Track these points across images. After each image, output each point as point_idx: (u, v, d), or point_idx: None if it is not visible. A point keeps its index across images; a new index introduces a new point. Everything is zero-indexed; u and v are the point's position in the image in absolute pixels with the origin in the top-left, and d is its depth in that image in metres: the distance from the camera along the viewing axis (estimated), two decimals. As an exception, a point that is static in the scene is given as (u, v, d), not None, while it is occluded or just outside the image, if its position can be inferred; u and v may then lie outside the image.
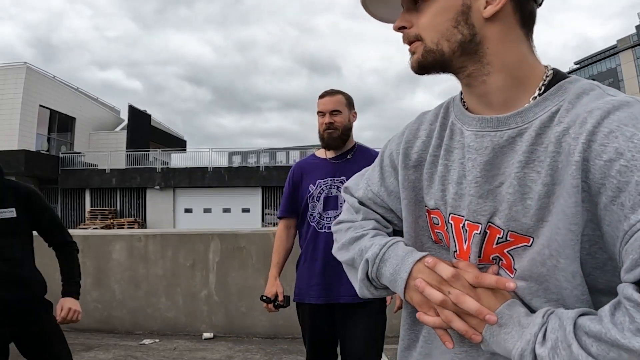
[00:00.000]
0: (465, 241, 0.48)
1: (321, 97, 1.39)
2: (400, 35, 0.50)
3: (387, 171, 0.59)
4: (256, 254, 2.89)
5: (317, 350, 1.38)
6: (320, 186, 1.37)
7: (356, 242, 0.56)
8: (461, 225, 0.49)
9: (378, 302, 1.31)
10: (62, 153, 16.10)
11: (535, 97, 0.46)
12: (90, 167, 16.01)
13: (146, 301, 2.95)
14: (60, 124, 17.09)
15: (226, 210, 15.90)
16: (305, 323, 1.38)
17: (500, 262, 0.46)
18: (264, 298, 1.42)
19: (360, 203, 0.61)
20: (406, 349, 0.56)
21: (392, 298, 1.39)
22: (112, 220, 14.64)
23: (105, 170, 15.78)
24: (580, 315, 0.38)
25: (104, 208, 15.62)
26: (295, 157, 18.02)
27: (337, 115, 1.36)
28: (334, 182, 1.36)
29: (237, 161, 18.42)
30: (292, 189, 1.43)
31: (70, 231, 1.45)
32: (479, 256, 0.47)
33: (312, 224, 1.37)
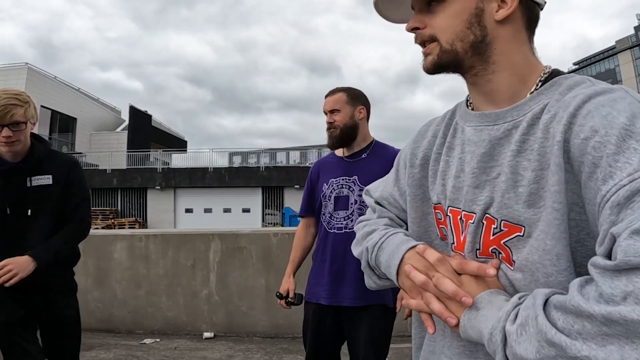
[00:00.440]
0: (462, 232, 0.50)
1: (325, 97, 1.39)
2: (400, 36, 0.53)
3: (401, 172, 0.62)
4: (256, 253, 2.89)
5: (318, 351, 1.36)
6: (332, 185, 1.35)
7: (368, 237, 0.59)
8: (459, 217, 0.50)
9: (382, 305, 1.29)
10: (63, 153, 16.11)
11: (532, 92, 0.48)
12: (91, 168, 16.04)
13: (147, 301, 2.96)
14: (62, 125, 17.13)
15: (227, 211, 15.91)
16: (310, 322, 1.37)
17: (500, 255, 0.46)
18: (278, 294, 1.43)
19: (377, 203, 0.64)
20: (417, 349, 0.58)
21: (402, 305, 1.38)
22: (113, 220, 14.66)
23: (106, 170, 15.80)
24: (555, 294, 0.37)
25: (105, 208, 15.65)
26: (295, 158, 18.02)
27: (336, 114, 1.34)
28: (346, 182, 1.34)
29: (237, 161, 18.45)
30: (311, 188, 1.43)
31: None
32: (479, 249, 0.48)
33: (324, 223, 1.36)
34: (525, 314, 0.36)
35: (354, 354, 1.31)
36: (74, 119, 17.55)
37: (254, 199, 15.95)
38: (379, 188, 0.65)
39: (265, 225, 14.59)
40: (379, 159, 1.34)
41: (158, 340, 2.77)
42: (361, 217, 0.66)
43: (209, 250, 2.96)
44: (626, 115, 0.37)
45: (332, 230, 1.34)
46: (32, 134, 1.21)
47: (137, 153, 16.72)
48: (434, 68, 0.50)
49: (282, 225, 13.74)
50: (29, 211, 1.16)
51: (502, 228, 0.45)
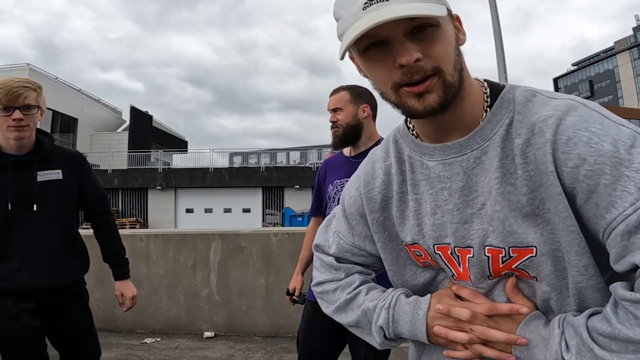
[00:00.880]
0: (460, 265, 0.50)
1: (329, 96, 1.38)
2: None
3: (354, 219, 0.58)
4: (257, 253, 2.90)
5: (313, 350, 1.34)
6: (336, 187, 1.34)
7: (352, 303, 0.56)
8: (449, 252, 0.50)
9: None
10: (64, 154, 16.13)
11: (486, 111, 0.48)
12: (93, 168, 16.01)
13: (148, 300, 2.97)
14: (63, 125, 17.16)
15: (227, 211, 15.93)
16: (309, 321, 1.36)
17: (514, 274, 0.47)
18: (287, 291, 1.45)
19: (337, 259, 0.60)
20: None
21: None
22: (113, 221, 14.63)
23: (107, 170, 15.83)
24: (590, 316, 0.42)
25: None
26: (295, 158, 18.03)
27: (339, 113, 1.32)
28: None
29: (238, 162, 18.48)
30: (319, 187, 1.43)
31: None
32: (490, 275, 0.48)
33: None
34: (574, 343, 0.41)
35: (356, 355, 1.30)
36: (75, 120, 17.58)
37: (254, 199, 15.96)
38: (331, 242, 0.60)
39: (266, 225, 14.60)
40: None
41: (159, 339, 2.78)
42: (320, 278, 0.61)
43: (209, 250, 2.97)
44: (608, 140, 0.40)
45: None
46: (37, 129, 1.17)
47: (138, 153, 16.75)
48: (441, 107, 0.44)
49: (282, 225, 13.74)
50: (35, 206, 1.11)
51: (512, 254, 0.46)
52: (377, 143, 1.37)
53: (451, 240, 0.49)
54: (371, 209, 0.55)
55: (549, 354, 0.42)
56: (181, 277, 2.97)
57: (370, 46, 0.43)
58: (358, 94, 1.34)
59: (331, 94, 1.36)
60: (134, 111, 18.82)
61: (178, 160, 18.88)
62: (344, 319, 0.58)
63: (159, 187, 15.73)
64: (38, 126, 1.18)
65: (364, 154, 1.34)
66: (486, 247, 0.47)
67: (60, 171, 1.16)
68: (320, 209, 1.42)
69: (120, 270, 1.28)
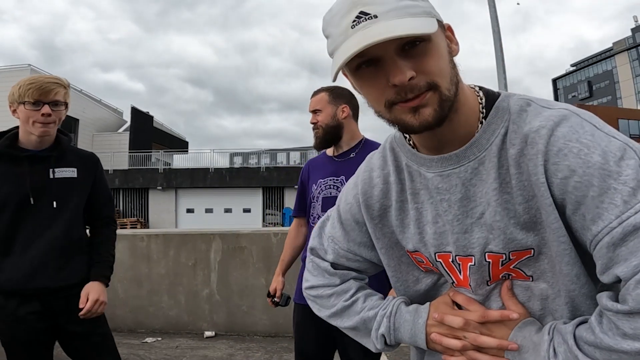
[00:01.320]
0: (460, 272, 0.50)
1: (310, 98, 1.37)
2: None
3: (350, 225, 0.58)
4: (257, 253, 2.92)
5: (306, 353, 1.33)
6: (320, 186, 1.33)
7: (349, 310, 0.58)
8: (450, 260, 0.51)
9: None
10: (65, 154, 16.14)
11: (481, 121, 0.48)
12: (93, 168, 16.05)
13: (148, 300, 2.98)
14: (64, 125, 16.84)
15: (227, 211, 15.94)
16: (301, 325, 1.34)
17: (510, 276, 0.49)
18: (268, 293, 1.45)
19: (334, 266, 0.60)
20: None
21: None
22: (114, 221, 14.66)
23: (108, 171, 15.82)
24: (578, 325, 0.43)
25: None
26: (295, 158, 18.04)
27: (318, 114, 1.32)
28: (334, 182, 1.32)
29: (238, 162, 18.48)
30: (302, 188, 1.42)
31: None
32: (489, 279, 0.49)
33: (312, 224, 1.35)
34: (562, 350, 0.43)
35: (346, 356, 1.29)
36: (76, 120, 17.61)
37: (255, 199, 15.98)
38: (327, 248, 0.60)
39: (266, 225, 14.62)
40: None
41: (160, 339, 2.80)
42: (314, 282, 0.61)
43: (210, 250, 2.99)
44: (598, 152, 0.40)
45: None
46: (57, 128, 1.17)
47: (139, 154, 16.78)
48: (437, 121, 0.43)
49: (283, 225, 13.76)
50: (55, 203, 1.10)
51: (511, 257, 0.47)
52: (360, 143, 1.34)
53: (452, 249, 0.50)
54: (370, 216, 0.55)
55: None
56: (182, 277, 2.98)
57: (362, 65, 0.43)
58: (337, 95, 1.33)
59: (312, 96, 1.36)
60: (135, 112, 18.85)
61: (179, 161, 18.92)
62: (340, 323, 0.59)
63: (160, 187, 15.75)
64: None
65: (346, 154, 1.33)
66: (487, 254, 0.47)
67: (75, 169, 1.16)
68: (303, 210, 1.41)
69: (101, 272, 1.18)
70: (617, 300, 0.40)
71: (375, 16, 0.41)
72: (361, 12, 0.41)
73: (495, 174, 0.45)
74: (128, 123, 19.75)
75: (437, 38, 0.43)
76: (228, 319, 2.89)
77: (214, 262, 2.98)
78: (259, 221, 15.63)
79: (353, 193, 0.58)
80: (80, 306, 1.10)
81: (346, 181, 1.30)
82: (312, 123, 1.32)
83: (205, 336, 2.84)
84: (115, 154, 16.47)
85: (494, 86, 0.55)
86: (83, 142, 17.96)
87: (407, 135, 0.52)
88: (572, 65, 47.74)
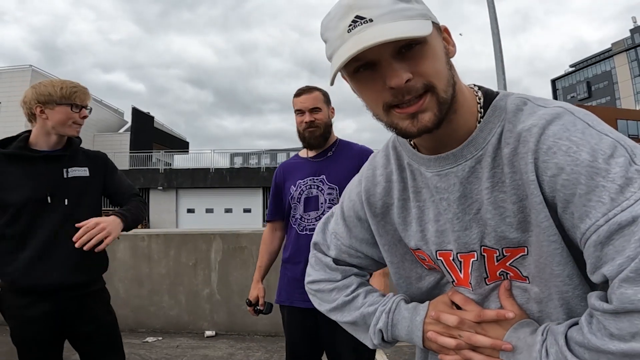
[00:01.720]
0: (461, 271, 0.51)
1: (298, 95, 1.33)
2: None
3: (352, 222, 0.59)
4: (257, 253, 2.91)
5: (297, 352, 1.33)
6: (300, 187, 1.31)
7: (350, 305, 0.58)
8: (451, 258, 0.51)
9: None
10: (66, 154, 16.17)
11: (479, 120, 0.48)
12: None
13: (149, 300, 2.99)
14: (65, 126, 17.14)
15: (228, 211, 15.95)
16: (288, 326, 1.34)
17: (508, 275, 0.48)
18: (247, 301, 1.42)
19: (336, 261, 0.61)
20: None
21: None
22: (115, 221, 14.65)
23: (108, 171, 15.83)
24: (570, 326, 0.43)
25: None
26: (297, 158, 17.93)
27: (318, 113, 1.30)
28: (314, 182, 1.30)
29: (238, 162, 18.50)
30: (276, 191, 1.40)
31: None
32: (487, 277, 0.49)
33: (294, 226, 1.33)
34: (553, 351, 0.42)
35: (334, 356, 1.28)
36: (77, 120, 17.60)
37: (255, 200, 15.98)
38: (330, 244, 0.61)
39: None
40: (345, 156, 1.32)
41: (160, 338, 2.81)
42: (315, 277, 0.62)
43: (210, 249, 3.00)
44: (586, 150, 0.40)
45: (304, 232, 1.30)
46: None
47: (140, 154, 16.80)
48: (437, 125, 0.43)
49: (284, 226, 13.67)
50: (69, 201, 1.13)
51: (505, 254, 0.47)
52: (335, 142, 1.35)
53: (453, 247, 0.50)
54: (373, 213, 0.56)
55: None
56: (182, 277, 2.99)
57: (359, 68, 0.43)
58: (327, 96, 1.35)
59: (303, 93, 1.32)
60: (136, 112, 18.87)
61: (179, 161, 18.94)
62: (340, 318, 0.59)
63: (161, 188, 15.77)
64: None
65: (324, 153, 1.33)
66: (482, 247, 0.48)
67: (87, 169, 1.19)
68: (279, 213, 1.39)
69: (120, 211, 1.13)
70: (606, 300, 0.39)
71: (371, 20, 0.42)
72: (357, 16, 0.42)
73: (489, 173, 0.46)
74: (129, 123, 19.77)
75: (433, 40, 0.43)
76: (228, 318, 2.89)
77: (215, 262, 2.99)
78: (259, 221, 15.63)
79: (356, 191, 0.58)
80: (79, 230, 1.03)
81: (327, 180, 1.30)
82: (309, 121, 1.29)
83: (205, 336, 2.85)
84: (116, 154, 16.48)
85: (493, 87, 0.54)
86: (84, 142, 17.69)
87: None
88: (571, 66, 47.72)
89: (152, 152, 17.41)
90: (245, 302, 1.43)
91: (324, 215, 1.28)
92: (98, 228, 1.04)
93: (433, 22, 0.44)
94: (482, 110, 0.48)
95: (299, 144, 1.37)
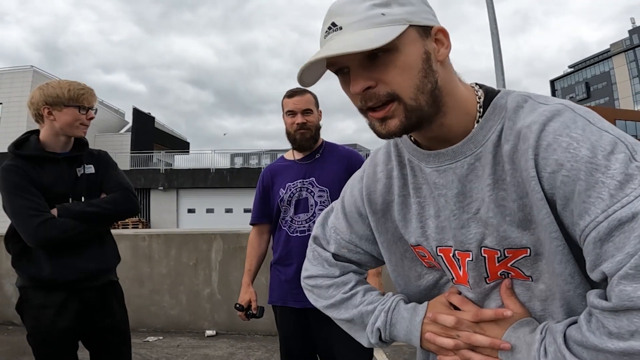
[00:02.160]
0: (460, 268, 0.50)
1: (290, 96, 1.33)
2: None
3: (353, 218, 0.59)
4: (258, 253, 2.93)
5: (292, 355, 1.33)
6: (290, 189, 1.31)
7: (348, 302, 0.58)
8: (451, 254, 0.50)
9: None
10: (67, 155, 16.20)
11: (478, 120, 0.47)
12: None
13: (150, 299, 3.01)
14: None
15: (228, 211, 15.96)
16: (281, 327, 1.35)
17: (510, 274, 0.48)
18: (237, 306, 1.40)
19: (335, 257, 0.61)
20: None
21: None
22: (116, 221, 14.65)
23: (109, 171, 15.84)
24: (569, 325, 0.42)
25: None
26: (297, 158, 17.94)
27: (310, 115, 1.31)
28: (304, 184, 1.31)
29: (239, 162, 18.53)
30: (263, 194, 1.39)
31: None
32: (487, 276, 0.48)
33: (284, 228, 1.33)
34: (552, 350, 0.42)
35: (328, 355, 1.28)
36: (78, 121, 17.62)
37: (256, 200, 15.93)
38: (329, 238, 0.61)
39: (267, 226, 14.55)
40: (333, 158, 1.33)
41: (161, 338, 2.82)
42: (313, 272, 0.61)
43: (211, 249, 3.01)
44: (586, 146, 0.39)
45: (295, 234, 1.31)
46: None
47: (141, 154, 16.82)
48: (402, 132, 0.44)
49: (284, 226, 13.66)
50: (82, 198, 1.19)
51: (507, 255, 0.46)
52: (322, 145, 1.36)
53: (452, 244, 0.49)
54: (373, 210, 0.56)
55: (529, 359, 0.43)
56: (183, 277, 3.00)
57: (338, 71, 0.46)
58: (317, 100, 1.37)
59: (295, 95, 1.32)
60: (137, 113, 18.90)
61: (180, 161, 18.97)
62: (336, 315, 0.59)
63: (161, 188, 15.78)
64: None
65: (312, 156, 1.34)
66: (482, 249, 0.47)
67: (92, 166, 1.23)
68: (265, 216, 1.39)
69: (67, 205, 1.13)
70: (605, 298, 0.39)
71: (340, 28, 0.43)
72: (332, 23, 0.43)
73: (490, 170, 0.45)
74: (130, 124, 19.81)
75: (406, 46, 0.43)
76: (229, 318, 2.90)
77: (215, 261, 3.00)
78: (260, 222, 15.58)
79: (358, 187, 0.58)
80: None
81: (316, 182, 1.31)
82: (301, 123, 1.30)
83: (206, 335, 2.86)
84: (117, 155, 16.44)
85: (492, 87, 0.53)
86: (85, 142, 17.94)
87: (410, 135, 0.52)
88: (570, 67, 47.63)
89: (152, 153, 17.43)
90: (235, 307, 1.42)
91: (314, 217, 1.30)
92: None
93: (415, 26, 0.43)
94: (481, 109, 0.48)
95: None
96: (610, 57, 40.34)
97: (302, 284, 0.64)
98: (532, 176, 0.42)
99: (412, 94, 0.43)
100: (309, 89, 1.34)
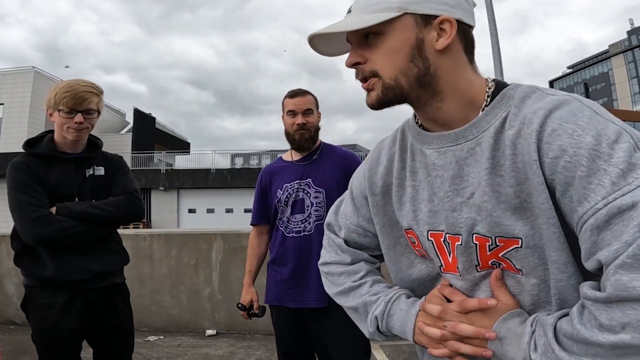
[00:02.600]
0: (450, 254, 0.50)
1: (292, 96, 1.34)
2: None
3: (359, 201, 0.60)
4: (258, 253, 2.94)
5: (290, 354, 1.34)
6: (287, 190, 1.32)
7: (355, 291, 0.59)
8: (442, 239, 0.50)
9: None
10: (68, 155, 16.22)
11: (484, 108, 0.48)
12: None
13: (151, 299, 3.02)
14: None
15: (229, 211, 15.98)
16: (278, 326, 1.36)
17: (501, 265, 0.47)
18: (240, 306, 1.42)
19: (346, 242, 0.62)
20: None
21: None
22: (117, 221, 14.67)
23: (110, 171, 15.85)
24: (560, 318, 0.42)
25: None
26: (297, 159, 17.96)
27: (310, 116, 1.32)
28: (300, 185, 1.32)
29: (239, 162, 18.56)
30: (262, 195, 1.40)
31: None
32: (478, 264, 0.48)
33: (281, 228, 1.34)
34: (542, 343, 0.41)
35: (324, 354, 1.28)
36: (79, 121, 17.64)
37: (257, 200, 15.94)
38: (341, 224, 0.62)
39: (268, 226, 14.54)
40: (330, 159, 1.34)
41: (162, 337, 2.83)
42: (327, 258, 0.63)
43: (211, 249, 3.02)
44: (591, 134, 0.39)
45: (291, 235, 1.32)
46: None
47: (142, 154, 16.86)
48: (379, 104, 0.49)
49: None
50: (93, 200, 1.18)
51: (498, 243, 0.46)
52: (320, 146, 1.37)
53: (444, 227, 0.49)
54: (372, 192, 0.57)
55: (520, 352, 0.43)
56: (184, 276, 3.02)
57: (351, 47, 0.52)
58: (317, 101, 1.38)
59: (297, 95, 1.34)
60: (138, 113, 18.94)
61: (180, 162, 19.00)
62: (344, 302, 0.60)
63: (162, 188, 15.81)
64: (43, 131, 1.25)
65: (309, 157, 1.35)
66: (474, 235, 0.47)
67: (102, 168, 1.23)
68: (264, 217, 1.39)
69: (67, 204, 1.13)
70: (599, 289, 0.38)
71: (350, 11, 0.50)
72: (350, 7, 0.51)
73: (489, 154, 0.45)
74: (131, 124, 19.83)
75: (395, 32, 0.47)
76: (229, 317, 2.92)
77: (216, 261, 3.01)
78: (260, 222, 15.59)
79: (362, 170, 0.60)
80: None
81: (313, 184, 1.32)
82: (301, 123, 1.31)
83: (206, 335, 2.87)
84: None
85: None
86: (86, 143, 17.95)
87: (416, 115, 0.54)
88: (568, 67, 47.56)
89: (153, 153, 17.46)
90: (237, 307, 1.44)
91: (310, 218, 1.30)
92: None
93: (412, 14, 0.47)
94: (489, 98, 0.48)
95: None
96: (609, 57, 40.35)
97: (320, 269, 0.65)
98: (534, 160, 0.41)
99: (392, 74, 0.48)
100: (309, 90, 1.38)
